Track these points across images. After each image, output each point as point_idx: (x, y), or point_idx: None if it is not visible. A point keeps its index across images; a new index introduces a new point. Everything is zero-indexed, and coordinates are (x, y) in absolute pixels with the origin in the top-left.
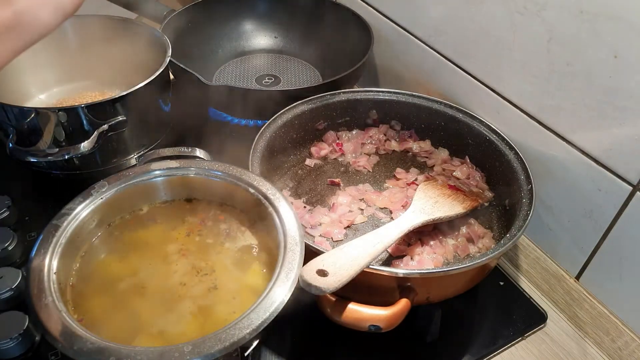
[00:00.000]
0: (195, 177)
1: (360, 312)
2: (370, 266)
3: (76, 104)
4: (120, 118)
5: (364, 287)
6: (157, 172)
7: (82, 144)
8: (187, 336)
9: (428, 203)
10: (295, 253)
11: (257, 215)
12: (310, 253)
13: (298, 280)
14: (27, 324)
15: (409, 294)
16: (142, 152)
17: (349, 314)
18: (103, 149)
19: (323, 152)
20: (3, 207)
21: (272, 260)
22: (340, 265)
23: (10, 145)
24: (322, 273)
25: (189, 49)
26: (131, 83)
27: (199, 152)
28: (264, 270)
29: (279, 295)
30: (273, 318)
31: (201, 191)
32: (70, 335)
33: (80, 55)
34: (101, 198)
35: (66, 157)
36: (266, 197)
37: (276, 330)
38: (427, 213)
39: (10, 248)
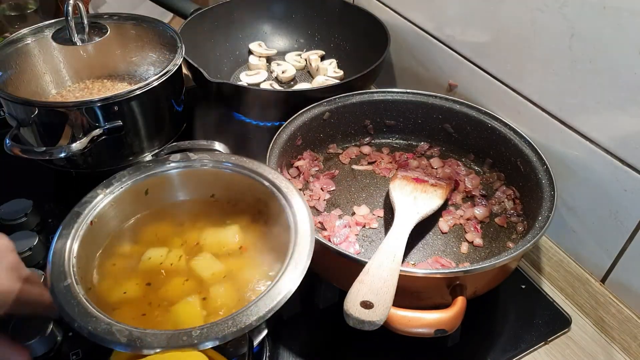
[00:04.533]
0: (211, 169)
1: (424, 319)
2: (419, 271)
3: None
4: (118, 122)
5: (413, 293)
6: (174, 164)
7: (74, 144)
8: (198, 323)
9: (409, 201)
10: (305, 246)
11: (271, 208)
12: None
13: (344, 317)
14: (50, 324)
15: (462, 291)
16: (155, 151)
17: (413, 322)
18: (117, 147)
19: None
20: (25, 210)
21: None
22: (377, 290)
23: (7, 141)
24: (365, 305)
25: (211, 48)
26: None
27: (217, 145)
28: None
29: (287, 284)
30: (280, 306)
31: (216, 184)
32: (85, 317)
33: (95, 53)
34: (121, 187)
35: (62, 154)
36: (280, 190)
37: (291, 328)
38: (417, 211)
39: (33, 250)
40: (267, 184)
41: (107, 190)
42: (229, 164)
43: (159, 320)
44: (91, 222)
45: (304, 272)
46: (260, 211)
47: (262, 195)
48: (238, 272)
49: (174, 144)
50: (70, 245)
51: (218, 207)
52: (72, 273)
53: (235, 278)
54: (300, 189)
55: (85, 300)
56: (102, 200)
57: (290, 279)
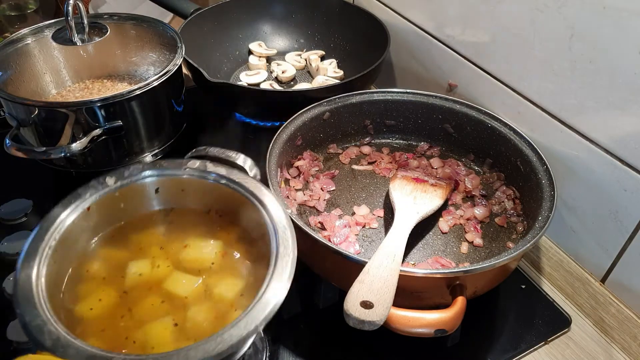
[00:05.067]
0: (220, 185)
1: (424, 319)
2: (419, 271)
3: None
4: (118, 122)
5: (412, 293)
6: (189, 170)
7: (74, 144)
8: (167, 347)
9: (409, 201)
10: (276, 298)
11: (246, 218)
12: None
13: (344, 317)
14: None
15: (462, 291)
16: (155, 151)
17: (413, 322)
18: (117, 147)
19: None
20: (25, 210)
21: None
22: (377, 290)
23: (7, 141)
24: (365, 305)
25: (211, 48)
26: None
27: (241, 160)
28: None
29: (240, 331)
30: (226, 352)
31: (219, 200)
32: (28, 305)
33: (95, 53)
34: (130, 180)
35: (62, 154)
36: (254, 195)
37: (291, 328)
38: (417, 211)
39: None
40: (267, 220)
41: (77, 202)
42: (236, 186)
43: (126, 337)
44: (88, 207)
45: (276, 308)
46: (249, 238)
47: (234, 204)
48: (216, 290)
49: (202, 147)
50: (57, 225)
51: (210, 222)
52: (44, 254)
53: (213, 297)
54: (300, 189)
55: (37, 288)
56: (107, 189)
57: (240, 330)
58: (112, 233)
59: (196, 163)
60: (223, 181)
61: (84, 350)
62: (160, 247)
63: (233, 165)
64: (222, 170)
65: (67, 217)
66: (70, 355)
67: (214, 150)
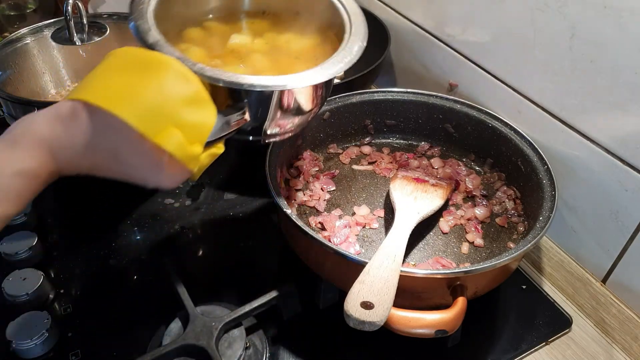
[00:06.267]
0: None
1: (424, 320)
2: (420, 271)
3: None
4: None
5: (413, 293)
6: None
7: None
8: None
9: (410, 201)
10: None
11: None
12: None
13: (344, 318)
14: (49, 324)
15: (462, 292)
16: None
17: (414, 323)
18: None
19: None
20: (25, 210)
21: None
22: (378, 290)
23: None
24: (366, 305)
25: None
26: None
27: None
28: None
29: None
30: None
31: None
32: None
33: (95, 52)
34: None
35: None
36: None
37: (291, 328)
38: (417, 211)
39: (32, 250)
40: (345, 17)
41: None
42: None
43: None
44: None
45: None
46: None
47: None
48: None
49: None
50: None
51: (299, 23)
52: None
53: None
54: (300, 189)
55: (148, 8)
56: None
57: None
58: (212, 14)
59: None
60: None
61: (174, 52)
62: (258, 34)
63: None
64: None
65: None
66: (165, 51)
67: None
